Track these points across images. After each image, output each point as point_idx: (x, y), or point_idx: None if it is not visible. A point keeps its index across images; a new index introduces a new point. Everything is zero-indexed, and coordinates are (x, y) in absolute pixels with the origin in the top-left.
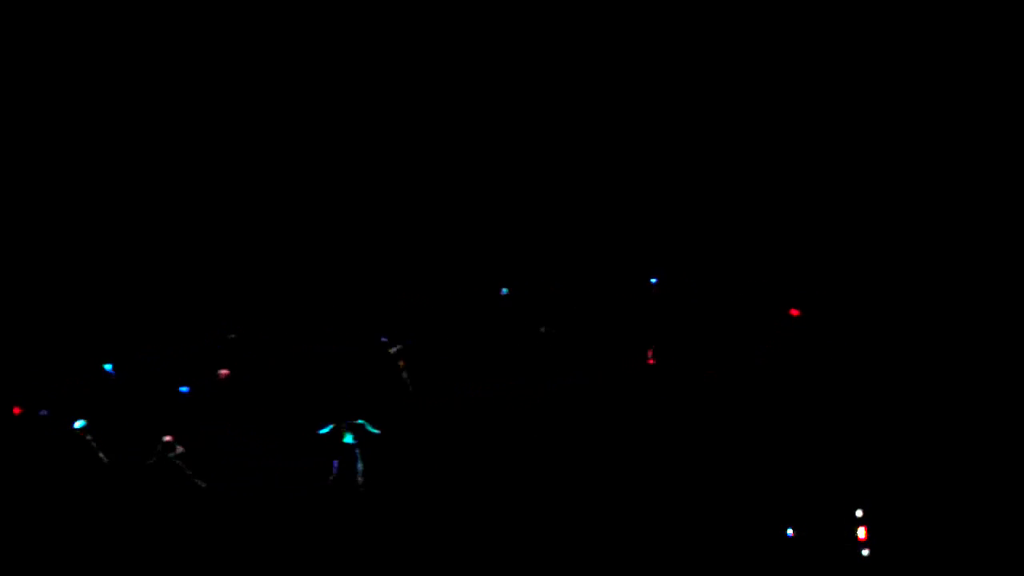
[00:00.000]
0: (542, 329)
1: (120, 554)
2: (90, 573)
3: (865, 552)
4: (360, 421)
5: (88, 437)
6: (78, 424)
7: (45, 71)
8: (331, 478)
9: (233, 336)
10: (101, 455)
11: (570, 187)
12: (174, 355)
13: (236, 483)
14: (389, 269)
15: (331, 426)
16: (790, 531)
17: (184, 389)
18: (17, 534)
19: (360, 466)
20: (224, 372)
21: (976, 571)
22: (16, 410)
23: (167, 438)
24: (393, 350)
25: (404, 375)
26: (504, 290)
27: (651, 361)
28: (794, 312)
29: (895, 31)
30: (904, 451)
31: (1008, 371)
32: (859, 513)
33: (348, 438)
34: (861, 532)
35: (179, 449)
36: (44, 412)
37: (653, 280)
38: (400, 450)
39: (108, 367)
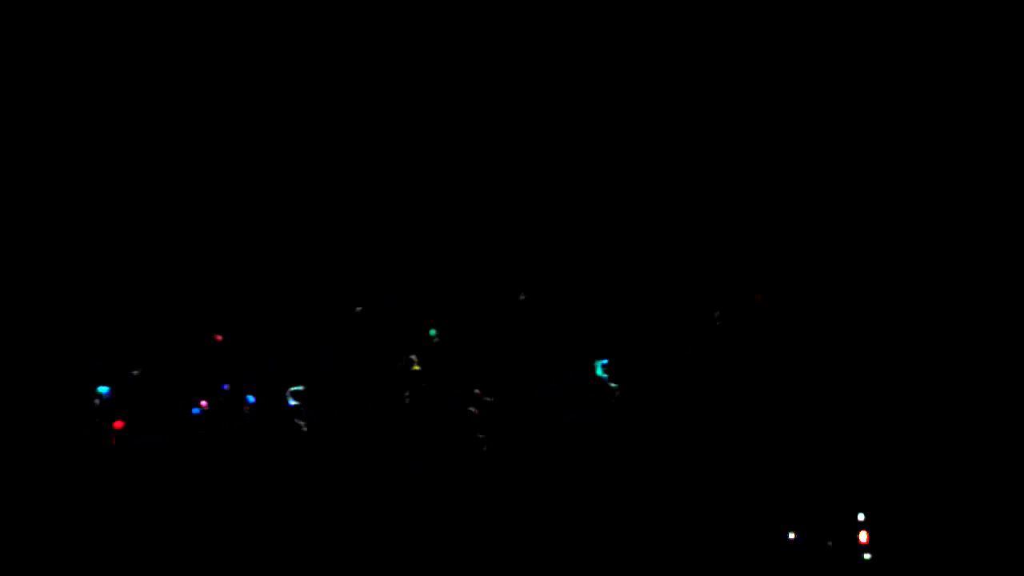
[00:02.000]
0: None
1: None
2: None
3: (867, 556)
4: None
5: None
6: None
7: (45, 71)
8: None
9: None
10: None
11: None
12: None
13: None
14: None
15: None
16: (791, 535)
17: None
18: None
19: None
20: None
21: (977, 574)
22: (118, 424)
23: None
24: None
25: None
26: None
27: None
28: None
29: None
30: (906, 455)
31: (1009, 373)
32: (861, 517)
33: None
34: (863, 536)
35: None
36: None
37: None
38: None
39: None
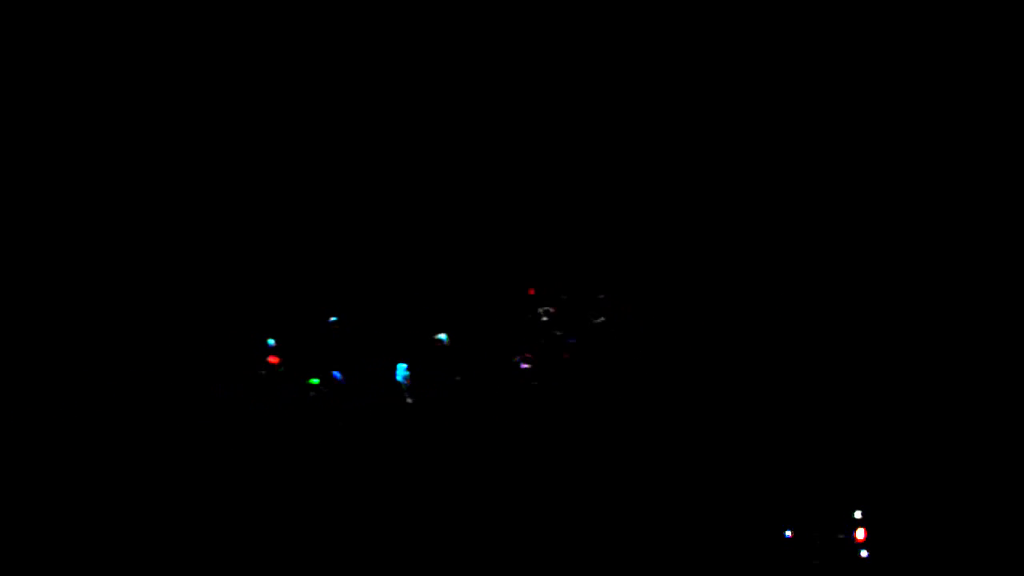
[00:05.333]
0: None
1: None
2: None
3: (864, 553)
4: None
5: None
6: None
7: (45, 71)
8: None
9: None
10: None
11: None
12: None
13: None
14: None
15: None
16: (788, 532)
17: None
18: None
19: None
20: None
21: (976, 572)
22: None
23: None
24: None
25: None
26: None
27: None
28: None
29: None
30: (903, 452)
31: (1008, 371)
32: (858, 514)
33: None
34: (860, 533)
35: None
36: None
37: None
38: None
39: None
